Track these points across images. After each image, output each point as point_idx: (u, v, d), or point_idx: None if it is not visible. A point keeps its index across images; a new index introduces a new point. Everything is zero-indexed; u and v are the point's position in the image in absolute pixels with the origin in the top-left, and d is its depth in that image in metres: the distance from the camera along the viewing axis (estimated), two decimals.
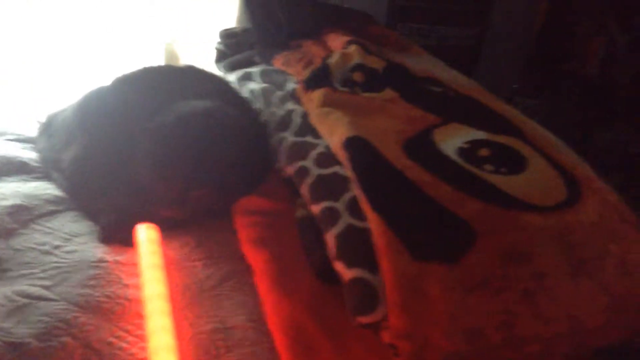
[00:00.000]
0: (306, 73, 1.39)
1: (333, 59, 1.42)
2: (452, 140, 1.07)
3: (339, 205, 0.97)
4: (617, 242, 0.89)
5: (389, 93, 1.30)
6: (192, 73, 1.46)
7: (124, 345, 0.84)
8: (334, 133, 1.10)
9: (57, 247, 1.04)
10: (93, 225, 1.12)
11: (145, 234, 1.06)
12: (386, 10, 2.49)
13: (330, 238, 0.93)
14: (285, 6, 1.77)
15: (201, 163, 1.11)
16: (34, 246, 1.03)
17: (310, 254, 1.01)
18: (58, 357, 0.80)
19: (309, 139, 1.19)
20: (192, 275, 1.01)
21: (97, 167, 1.20)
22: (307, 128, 1.22)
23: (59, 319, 0.86)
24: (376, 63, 1.41)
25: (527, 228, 0.87)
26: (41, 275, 0.96)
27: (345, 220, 0.94)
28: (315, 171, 1.08)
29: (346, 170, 1.02)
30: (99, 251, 1.04)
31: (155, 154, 1.13)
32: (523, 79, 2.61)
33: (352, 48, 1.46)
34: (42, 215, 1.13)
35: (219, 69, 1.84)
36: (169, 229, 1.11)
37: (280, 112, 1.34)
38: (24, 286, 0.92)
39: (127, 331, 0.87)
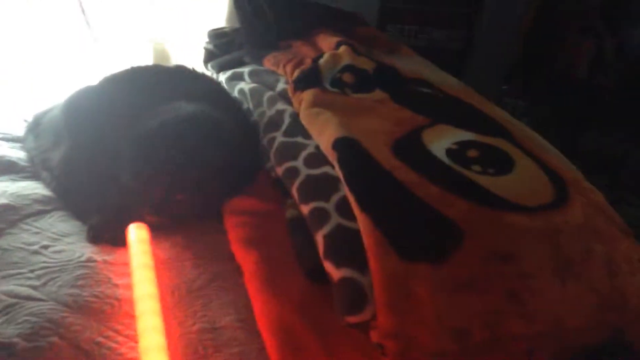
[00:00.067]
0: (296, 73, 1.39)
1: (323, 60, 1.42)
2: (441, 141, 1.07)
3: (329, 205, 0.98)
4: (603, 242, 0.90)
5: (378, 94, 1.30)
6: (182, 73, 1.46)
7: (112, 345, 0.84)
8: (323, 133, 1.11)
9: (45, 247, 1.03)
10: (81, 225, 1.12)
11: (136, 234, 1.06)
12: (377, 12, 2.50)
13: (320, 238, 0.94)
14: (275, 6, 1.77)
15: (183, 169, 1.10)
16: (22, 246, 1.02)
17: (300, 254, 1.01)
18: (46, 357, 0.80)
19: (299, 139, 1.19)
20: (181, 275, 1.01)
21: (86, 167, 1.20)
22: (297, 128, 1.22)
23: (46, 319, 0.85)
24: (366, 64, 1.41)
25: (514, 228, 0.88)
26: (29, 275, 0.95)
27: (335, 220, 0.94)
28: (305, 171, 1.09)
29: (335, 170, 1.03)
30: (88, 251, 1.03)
31: (137, 161, 1.12)
32: (512, 80, 2.63)
33: (342, 49, 1.47)
34: (30, 215, 1.12)
35: (208, 70, 1.83)
36: (154, 230, 1.11)
37: (271, 112, 1.34)
38: (11, 286, 0.92)
39: (116, 331, 0.87)
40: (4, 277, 0.94)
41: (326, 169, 1.07)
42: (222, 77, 1.67)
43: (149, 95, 1.28)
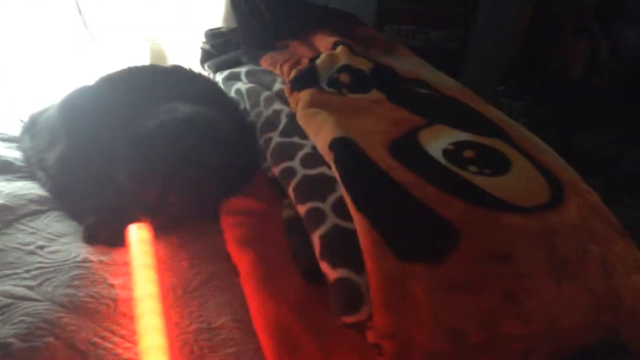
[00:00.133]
0: (293, 73, 1.39)
1: (320, 60, 1.42)
2: (437, 142, 1.07)
3: (325, 205, 0.98)
4: (598, 243, 0.91)
5: (375, 94, 1.30)
6: (178, 73, 1.45)
7: (108, 345, 0.84)
8: (320, 134, 1.11)
9: (41, 247, 1.03)
10: (77, 225, 1.12)
11: (137, 234, 1.06)
12: (374, 12, 2.50)
13: (316, 238, 0.94)
14: (272, 6, 1.77)
15: (179, 170, 1.10)
16: (18, 246, 1.02)
17: (296, 254, 1.01)
18: (41, 357, 0.80)
19: (295, 139, 1.19)
20: (178, 276, 1.00)
21: (82, 167, 1.20)
22: (294, 128, 1.22)
23: (42, 319, 0.85)
24: (363, 64, 1.41)
25: (510, 229, 0.88)
26: (25, 275, 0.95)
27: (331, 220, 0.94)
28: (302, 172, 1.09)
29: (332, 170, 1.03)
30: (84, 251, 1.03)
31: (134, 161, 1.12)
32: (508, 81, 2.63)
33: (339, 49, 1.47)
34: (26, 215, 1.12)
35: (205, 69, 1.83)
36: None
37: (267, 112, 1.34)
38: (7, 286, 0.91)
39: (112, 331, 0.87)
40: None
41: (323, 169, 1.07)
42: (219, 77, 1.67)
43: (145, 96, 1.28)
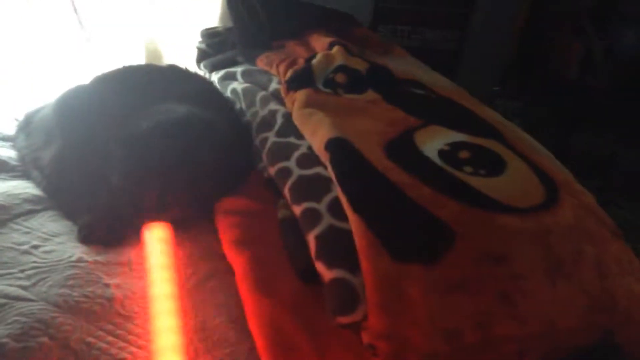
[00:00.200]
0: (289, 74, 1.39)
1: (316, 60, 1.42)
2: (433, 143, 1.07)
3: (321, 206, 0.98)
4: (593, 243, 0.91)
5: (371, 95, 1.31)
6: (174, 73, 1.45)
7: (103, 345, 0.84)
8: (316, 134, 1.11)
9: (35, 246, 1.03)
10: (72, 225, 1.12)
11: (155, 233, 1.06)
12: (371, 12, 2.51)
13: (312, 239, 0.94)
14: (268, 6, 1.77)
15: (175, 170, 1.10)
16: (12, 246, 1.02)
17: (292, 254, 1.01)
18: (35, 357, 0.80)
19: (291, 139, 1.19)
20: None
21: (76, 167, 1.19)
22: (289, 129, 1.22)
23: (36, 319, 0.85)
24: (359, 64, 1.41)
25: (506, 230, 0.88)
26: (19, 275, 0.95)
27: (327, 221, 0.94)
28: (297, 172, 1.09)
29: (328, 171, 1.03)
30: (78, 251, 1.03)
31: (128, 162, 1.12)
32: (504, 81, 2.64)
33: (335, 49, 1.47)
34: (20, 215, 1.12)
35: (200, 69, 1.83)
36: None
37: (263, 112, 1.34)
38: (1, 286, 0.91)
39: (107, 331, 0.86)
40: None
41: (318, 169, 1.07)
42: (215, 77, 1.67)
43: (141, 95, 1.27)
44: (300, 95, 1.26)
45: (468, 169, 1.00)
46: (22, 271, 0.95)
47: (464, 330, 0.80)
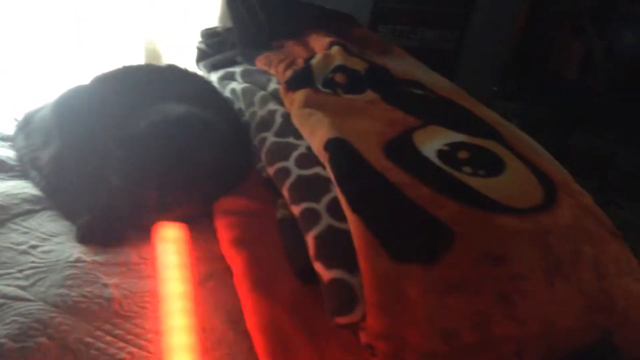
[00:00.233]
0: (288, 74, 1.39)
1: (315, 60, 1.42)
2: (432, 143, 1.07)
3: (320, 206, 0.98)
4: (592, 244, 0.91)
5: (370, 95, 1.30)
6: (173, 73, 1.45)
7: (101, 345, 0.84)
8: (315, 134, 1.10)
9: (34, 246, 1.03)
10: (71, 225, 1.11)
11: (169, 233, 1.07)
12: (370, 12, 2.51)
13: (310, 239, 0.93)
14: (267, 6, 1.77)
15: (172, 171, 1.11)
16: (11, 246, 1.02)
17: (290, 254, 1.01)
18: (33, 357, 0.80)
19: (290, 139, 1.19)
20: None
21: (75, 167, 1.19)
22: (288, 129, 1.22)
23: (35, 319, 0.85)
24: (358, 65, 1.41)
25: (504, 230, 0.88)
26: (17, 275, 0.95)
27: (326, 221, 0.94)
28: (296, 172, 1.08)
29: (327, 171, 1.03)
30: (77, 251, 1.03)
31: (127, 162, 1.12)
32: (503, 82, 2.64)
33: (335, 49, 1.47)
34: (19, 215, 1.12)
35: (200, 69, 1.83)
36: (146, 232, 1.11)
37: (262, 112, 1.34)
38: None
39: (105, 331, 0.86)
40: None
41: (317, 169, 1.07)
42: (214, 77, 1.67)
43: (140, 95, 1.27)
44: (300, 95, 1.26)
45: (467, 169, 1.00)
46: (20, 271, 0.96)
47: (462, 330, 0.80)
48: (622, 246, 0.95)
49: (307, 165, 1.09)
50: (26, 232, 1.07)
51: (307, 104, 1.23)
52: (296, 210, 1.01)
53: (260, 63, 1.56)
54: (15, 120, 1.46)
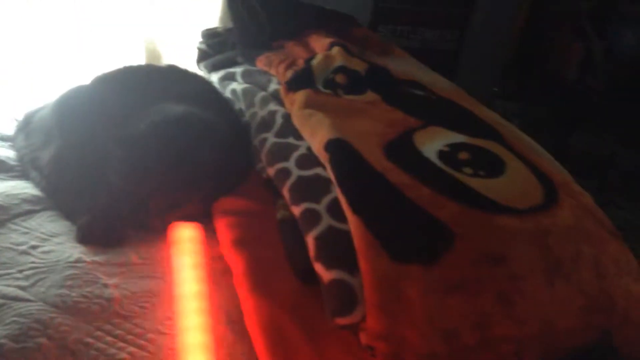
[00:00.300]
0: (288, 74, 1.39)
1: (316, 61, 1.42)
2: (433, 143, 1.07)
3: (320, 207, 0.98)
4: (592, 244, 0.91)
5: (370, 95, 1.30)
6: (174, 73, 1.45)
7: (101, 345, 0.84)
8: (315, 135, 1.10)
9: (34, 247, 1.03)
10: (71, 225, 1.11)
11: (186, 233, 1.07)
12: (370, 12, 2.51)
13: (310, 240, 0.93)
14: (268, 6, 1.77)
15: (173, 171, 1.11)
16: (11, 246, 1.02)
17: (291, 255, 1.01)
18: (33, 358, 0.80)
19: (290, 140, 1.19)
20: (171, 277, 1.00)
21: (76, 167, 1.19)
22: (289, 129, 1.22)
23: (35, 319, 0.85)
24: (359, 65, 1.41)
25: (505, 230, 0.88)
26: (17, 275, 0.95)
27: (326, 222, 0.94)
28: (297, 173, 1.08)
29: (327, 172, 1.03)
30: (77, 251, 1.03)
31: (127, 163, 1.12)
32: (503, 82, 2.64)
33: (335, 50, 1.47)
34: (19, 215, 1.12)
35: (201, 69, 1.83)
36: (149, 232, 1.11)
37: (263, 113, 1.34)
38: None
39: (105, 331, 0.86)
40: None
41: (318, 170, 1.07)
42: (215, 77, 1.67)
43: (140, 95, 1.27)
44: (300, 96, 1.26)
45: (467, 170, 1.00)
46: (20, 271, 0.95)
47: (462, 331, 0.80)
48: (622, 246, 0.95)
49: (307, 165, 1.09)
50: (26, 233, 1.06)
51: (308, 104, 1.23)
52: (296, 210, 1.01)
53: (260, 63, 1.56)
54: (16, 120, 1.46)
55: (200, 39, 1.95)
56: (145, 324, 0.89)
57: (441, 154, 1.04)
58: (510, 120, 1.29)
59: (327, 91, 1.33)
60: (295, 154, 1.13)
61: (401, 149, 1.06)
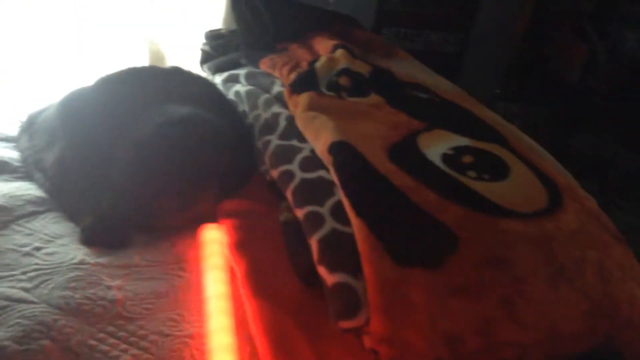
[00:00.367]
0: (292, 76, 1.39)
1: (319, 63, 1.42)
2: (437, 147, 1.07)
3: (323, 209, 0.97)
4: (596, 249, 0.91)
5: (374, 98, 1.30)
6: (177, 75, 1.45)
7: (104, 347, 0.84)
8: (319, 137, 1.10)
9: (37, 248, 1.03)
10: (74, 227, 1.11)
11: (208, 234, 1.08)
12: (374, 14, 2.50)
13: (314, 242, 0.93)
14: (271, 8, 1.77)
15: (178, 173, 1.11)
16: (14, 247, 1.02)
17: (294, 257, 1.01)
18: None
19: (294, 142, 1.19)
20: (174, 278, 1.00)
21: (80, 168, 1.19)
22: (292, 132, 1.22)
23: (38, 321, 0.85)
24: (362, 68, 1.41)
25: (509, 234, 0.88)
26: (21, 277, 0.95)
27: (329, 224, 0.94)
28: (300, 175, 1.08)
29: (331, 174, 1.02)
30: (81, 253, 1.03)
31: (132, 165, 1.13)
32: (505, 84, 2.64)
33: (339, 52, 1.46)
34: (22, 216, 1.12)
35: (204, 71, 1.83)
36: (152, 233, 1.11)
37: (266, 115, 1.34)
38: (3, 288, 0.91)
39: (109, 333, 0.87)
40: None
41: (321, 172, 1.06)
42: (218, 79, 1.67)
43: (144, 97, 1.27)
44: (304, 98, 1.26)
45: (472, 173, 1.00)
46: (24, 273, 0.96)
47: (465, 335, 0.80)
48: (626, 250, 0.95)
49: (311, 168, 1.08)
50: (30, 234, 1.07)
51: (312, 107, 1.22)
52: (300, 213, 1.01)
53: (264, 65, 1.56)
54: (20, 121, 1.46)
55: (204, 41, 1.95)
56: (148, 325, 0.89)
57: (445, 157, 1.04)
58: (512, 121, 1.28)
59: (331, 94, 1.33)
60: (299, 157, 1.13)
61: (405, 152, 1.06)
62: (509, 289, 0.83)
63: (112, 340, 0.85)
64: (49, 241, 1.06)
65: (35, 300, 0.90)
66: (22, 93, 1.80)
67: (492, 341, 0.80)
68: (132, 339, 0.86)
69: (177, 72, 1.47)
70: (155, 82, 1.37)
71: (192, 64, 1.85)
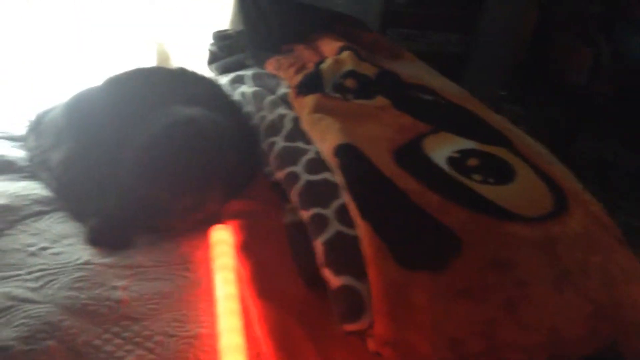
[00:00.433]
0: (298, 78, 1.39)
1: (326, 65, 1.42)
2: (442, 149, 1.07)
3: (329, 212, 0.98)
4: (600, 253, 0.91)
5: (380, 100, 1.30)
6: (183, 76, 1.45)
7: (109, 348, 0.84)
8: (325, 139, 1.10)
9: (43, 248, 1.03)
10: (80, 227, 1.11)
11: (217, 235, 1.08)
12: (379, 16, 2.50)
13: (319, 245, 0.93)
14: (278, 9, 1.77)
15: (185, 173, 1.11)
16: (20, 247, 1.02)
17: (298, 259, 1.01)
18: None
19: (299, 144, 1.19)
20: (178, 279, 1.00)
21: (87, 169, 1.20)
22: (298, 133, 1.22)
23: (43, 321, 0.85)
24: (368, 70, 1.41)
25: (513, 238, 0.88)
26: (27, 277, 0.95)
27: (334, 227, 0.94)
28: (305, 177, 1.08)
29: (336, 177, 1.02)
30: (86, 253, 1.03)
31: (140, 165, 1.13)
32: (510, 86, 2.63)
33: (345, 54, 1.47)
34: (29, 216, 1.12)
35: (211, 71, 1.83)
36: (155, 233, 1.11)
37: (272, 116, 1.34)
38: (8, 288, 0.91)
39: (114, 334, 0.87)
40: (1, 279, 0.94)
41: (326, 175, 1.06)
42: (225, 80, 1.67)
43: (151, 98, 1.28)
44: (310, 100, 1.26)
45: (477, 176, 1.00)
46: (30, 273, 0.96)
47: (469, 338, 0.80)
48: (629, 253, 0.95)
49: (316, 170, 1.08)
50: (36, 234, 1.07)
51: (317, 109, 1.23)
52: (305, 215, 1.01)
53: (270, 66, 1.56)
54: (27, 120, 1.47)
55: (212, 41, 1.95)
56: (154, 326, 0.89)
57: (451, 160, 1.04)
58: (517, 123, 1.28)
59: (337, 95, 1.33)
60: (304, 158, 1.13)
61: (410, 155, 1.06)
62: (512, 292, 0.83)
63: (117, 341, 0.85)
64: (55, 241, 1.06)
65: (41, 300, 0.90)
66: (22, 93, 1.80)
67: (495, 344, 0.80)
68: (138, 339, 0.86)
69: (183, 73, 1.47)
70: (162, 83, 1.37)
71: (198, 64, 1.85)
